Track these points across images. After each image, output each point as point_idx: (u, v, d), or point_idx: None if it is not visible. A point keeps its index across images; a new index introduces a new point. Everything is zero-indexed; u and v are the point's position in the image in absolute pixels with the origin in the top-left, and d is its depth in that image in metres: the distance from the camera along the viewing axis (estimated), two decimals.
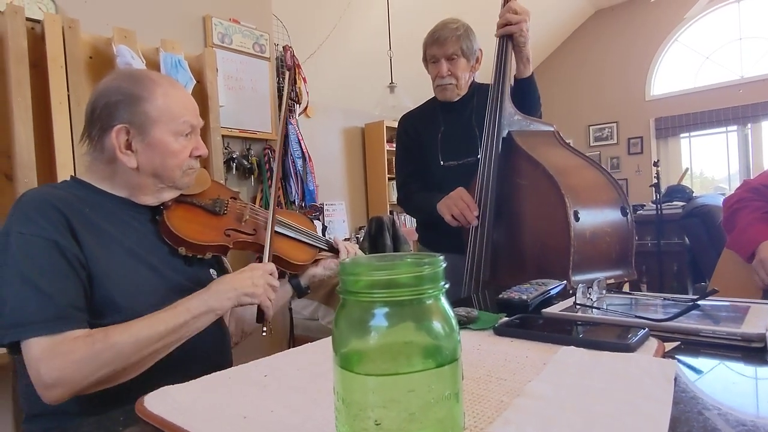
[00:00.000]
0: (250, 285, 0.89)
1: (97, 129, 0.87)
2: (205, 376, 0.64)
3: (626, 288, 1.28)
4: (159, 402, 0.55)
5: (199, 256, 0.95)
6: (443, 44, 1.51)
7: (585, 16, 6.60)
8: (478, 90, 1.59)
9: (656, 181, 3.51)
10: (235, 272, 0.92)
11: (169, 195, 0.95)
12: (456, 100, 1.58)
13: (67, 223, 0.79)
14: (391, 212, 5.45)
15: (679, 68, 6.03)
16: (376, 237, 3.06)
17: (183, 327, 0.80)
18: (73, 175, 1.44)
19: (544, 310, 0.85)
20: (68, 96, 1.62)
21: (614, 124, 6.43)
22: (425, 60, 1.59)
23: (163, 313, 0.80)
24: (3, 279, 0.74)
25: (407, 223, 5.71)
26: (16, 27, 1.50)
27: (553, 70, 6.73)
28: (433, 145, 1.60)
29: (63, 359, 0.71)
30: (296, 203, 2.62)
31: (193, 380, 0.62)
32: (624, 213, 1.21)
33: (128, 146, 0.87)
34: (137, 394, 0.61)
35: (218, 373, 0.65)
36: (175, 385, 0.60)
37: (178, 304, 0.82)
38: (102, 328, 0.76)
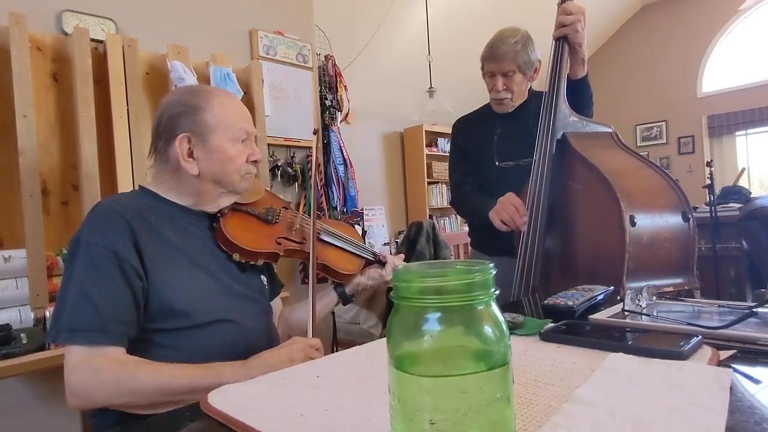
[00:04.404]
0: (286, 361, 0.83)
1: (163, 141, 0.94)
2: (261, 376, 0.67)
3: (681, 297, 1.23)
4: (221, 399, 0.59)
5: (251, 263, 1.00)
6: (500, 61, 1.50)
7: (632, 11, 6.39)
8: (534, 96, 1.59)
9: (710, 182, 3.35)
10: (275, 348, 0.89)
11: (227, 200, 1.00)
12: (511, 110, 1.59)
13: (132, 233, 0.85)
14: (431, 217, 5.45)
15: (734, 63, 5.73)
16: (416, 242, 3.07)
17: (206, 390, 0.75)
18: (135, 183, 1.54)
19: (591, 316, 0.84)
20: (127, 110, 1.73)
21: (663, 123, 6.18)
22: (482, 70, 1.59)
23: (194, 369, 0.80)
24: (68, 283, 0.81)
25: (447, 228, 5.69)
26: (82, 48, 1.62)
27: (598, 68, 6.55)
28: (489, 146, 1.61)
29: (92, 375, 0.76)
30: (338, 209, 2.67)
31: (250, 380, 0.66)
32: (686, 218, 1.16)
33: (190, 154, 0.93)
34: None
35: (273, 373, 0.68)
36: (236, 383, 0.64)
37: (211, 366, 0.81)
38: (135, 360, 0.80)
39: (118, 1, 1.88)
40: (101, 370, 0.76)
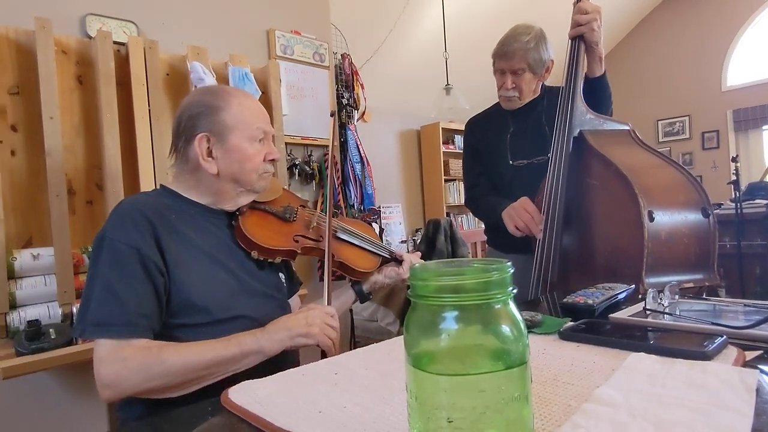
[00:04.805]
0: (303, 325, 0.88)
1: (183, 141, 0.96)
2: (280, 373, 0.68)
3: (703, 293, 1.23)
4: (242, 395, 0.60)
5: (269, 260, 1.01)
6: (510, 59, 1.48)
7: (653, 4, 6.25)
8: (548, 92, 1.58)
9: (735, 178, 3.26)
10: (292, 313, 0.94)
11: (246, 199, 1.01)
12: (518, 107, 1.58)
13: (153, 230, 0.86)
14: (448, 214, 5.43)
15: (760, 55, 5.56)
16: (434, 239, 3.06)
17: (231, 361, 0.83)
18: (157, 183, 1.57)
19: (611, 315, 0.83)
20: (149, 111, 1.76)
21: (686, 118, 6.04)
22: (493, 65, 1.57)
23: (217, 342, 0.83)
24: (93, 279, 0.83)
25: (464, 226, 5.66)
26: (106, 50, 1.65)
27: (618, 62, 6.42)
28: (502, 145, 1.60)
29: (120, 365, 0.77)
30: (355, 207, 2.68)
31: (270, 376, 0.67)
32: (705, 214, 1.16)
33: (209, 153, 0.95)
34: (217, 384, 0.66)
35: (292, 370, 0.69)
36: (255, 380, 0.65)
37: (232, 337, 0.85)
38: (159, 344, 0.82)
39: (140, 4, 1.91)
40: (129, 359, 0.78)
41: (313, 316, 0.91)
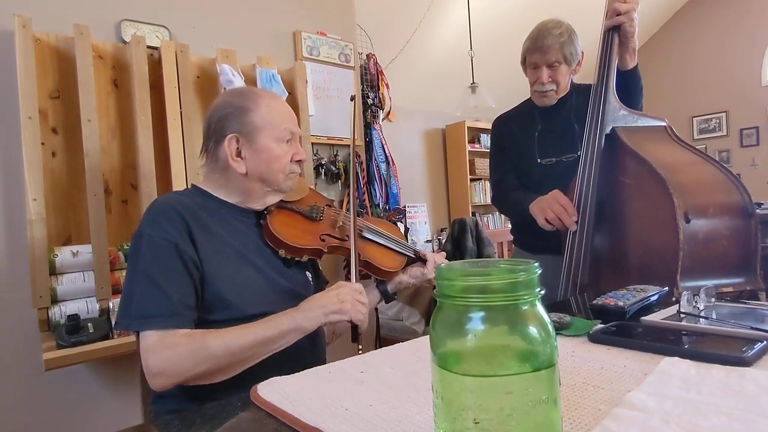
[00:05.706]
0: (336, 302, 0.91)
1: (213, 141, 0.98)
2: (308, 370, 0.69)
3: (742, 297, 1.18)
4: (270, 390, 0.61)
5: (296, 259, 1.03)
6: (546, 53, 1.45)
7: None
8: (576, 89, 1.54)
9: None
10: (323, 291, 0.97)
11: (273, 199, 1.03)
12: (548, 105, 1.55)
13: (187, 227, 0.89)
14: (474, 214, 5.38)
15: None
16: (459, 239, 3.04)
17: (270, 341, 0.86)
18: (188, 183, 1.61)
19: (643, 317, 0.81)
20: (180, 113, 1.81)
21: (723, 114, 5.81)
22: (523, 63, 1.54)
23: (256, 325, 0.86)
24: (134, 274, 0.86)
25: (490, 225, 5.60)
26: (140, 55, 1.71)
27: (651, 55, 6.23)
28: (530, 143, 1.57)
29: (168, 352, 0.80)
30: (380, 206, 2.69)
31: (298, 372, 0.68)
32: (747, 215, 1.11)
33: (238, 153, 0.97)
34: (247, 380, 0.68)
35: (319, 367, 0.70)
36: (283, 376, 0.66)
37: (269, 318, 0.87)
38: (202, 330, 0.84)
39: (171, 9, 1.96)
40: (177, 345, 0.81)
41: (344, 293, 0.94)
